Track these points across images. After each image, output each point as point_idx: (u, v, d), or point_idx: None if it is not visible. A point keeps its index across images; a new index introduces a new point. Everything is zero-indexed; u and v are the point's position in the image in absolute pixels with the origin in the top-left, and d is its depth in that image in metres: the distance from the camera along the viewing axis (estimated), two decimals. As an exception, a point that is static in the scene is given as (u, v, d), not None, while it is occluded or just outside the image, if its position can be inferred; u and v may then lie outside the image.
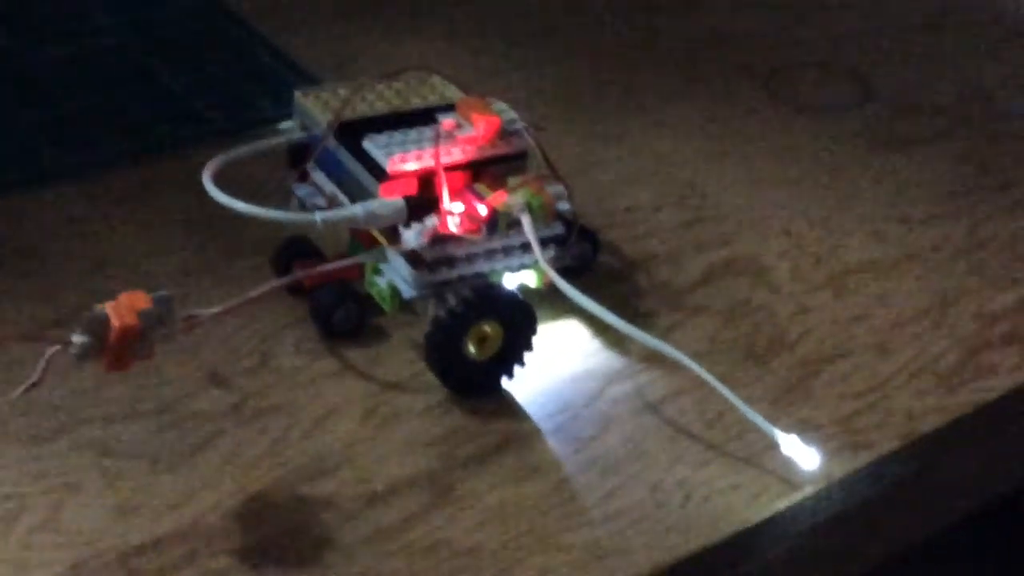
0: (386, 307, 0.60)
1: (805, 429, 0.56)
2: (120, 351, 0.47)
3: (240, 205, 0.57)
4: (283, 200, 0.62)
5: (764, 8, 0.97)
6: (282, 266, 0.63)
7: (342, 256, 0.62)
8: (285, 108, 0.80)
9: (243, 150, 0.62)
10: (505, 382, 0.58)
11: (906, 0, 1.00)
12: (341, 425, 0.56)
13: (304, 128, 0.63)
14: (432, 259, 0.58)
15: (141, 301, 0.48)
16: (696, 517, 0.52)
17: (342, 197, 0.61)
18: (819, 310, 0.64)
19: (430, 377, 0.58)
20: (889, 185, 0.75)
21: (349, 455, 0.54)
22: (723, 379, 0.56)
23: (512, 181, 0.59)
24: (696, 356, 0.57)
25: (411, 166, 0.58)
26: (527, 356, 0.59)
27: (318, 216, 0.58)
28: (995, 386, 0.60)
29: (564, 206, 0.60)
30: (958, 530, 0.65)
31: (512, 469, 0.54)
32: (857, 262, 0.68)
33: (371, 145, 0.59)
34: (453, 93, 0.64)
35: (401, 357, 0.60)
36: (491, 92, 0.62)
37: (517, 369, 0.58)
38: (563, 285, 0.57)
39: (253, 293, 0.54)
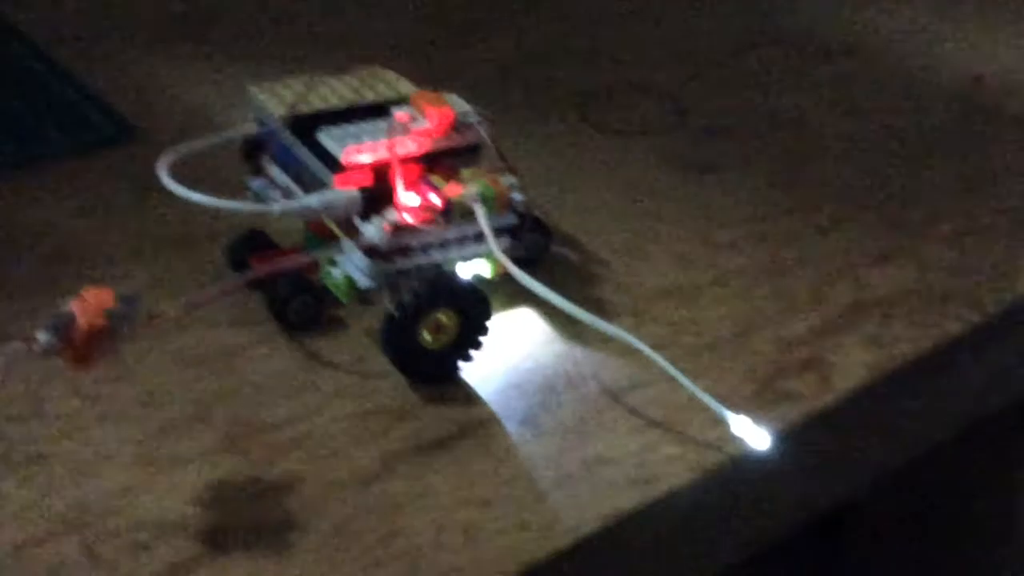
0: (342, 298, 0.61)
1: (596, 466, 0.55)
2: (86, 350, 0.47)
3: (197, 196, 0.58)
4: (236, 194, 0.61)
5: (580, 29, 0.96)
6: (237, 259, 0.64)
7: (298, 248, 0.63)
8: (79, 138, 0.77)
9: (198, 143, 0.62)
10: (460, 368, 0.59)
11: (720, 23, 1.00)
12: (114, 472, 0.53)
13: (258, 122, 0.64)
14: (388, 249, 0.59)
15: (108, 298, 0.48)
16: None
17: (296, 190, 0.62)
18: (618, 339, 0.63)
19: (209, 417, 0.56)
20: (697, 209, 0.74)
21: (118, 504, 0.51)
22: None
23: (466, 172, 0.60)
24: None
25: (365, 158, 0.59)
26: (483, 341, 0.59)
27: (276, 207, 0.59)
28: (791, 414, 0.58)
29: (517, 197, 0.61)
30: (775, 551, 0.64)
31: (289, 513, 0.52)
32: (659, 288, 0.66)
33: (325, 137, 0.60)
34: (406, 88, 0.65)
35: (183, 396, 0.57)
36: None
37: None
38: (516, 272, 0.59)
39: (221, 287, 0.55)
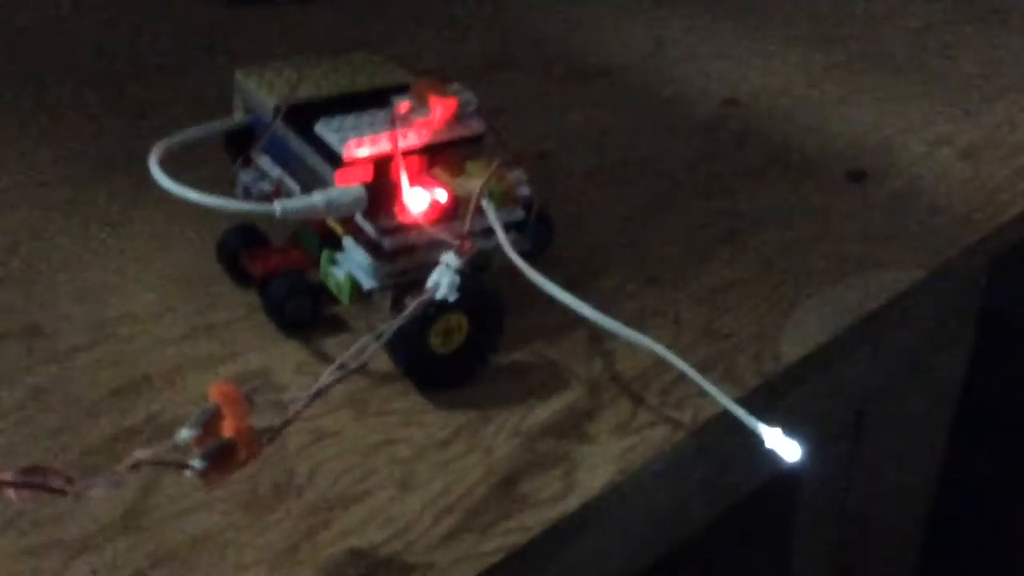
0: (344, 299, 0.58)
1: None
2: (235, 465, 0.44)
3: (193, 194, 0.54)
4: (224, 186, 0.58)
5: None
6: (229, 255, 0.61)
7: (292, 246, 0.60)
8: None
9: (189, 133, 0.59)
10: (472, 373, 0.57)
11: (459, 46, 0.93)
12: None
13: (246, 110, 0.60)
14: (392, 248, 0.56)
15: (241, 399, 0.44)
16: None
17: (290, 183, 0.58)
18: (336, 437, 0.54)
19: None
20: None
21: None
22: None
23: (471, 166, 0.57)
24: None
25: (367, 151, 0.55)
26: (496, 343, 0.57)
27: (277, 206, 0.54)
28: (530, 524, 0.50)
29: (523, 191, 0.58)
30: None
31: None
32: (381, 375, 0.57)
33: (324, 130, 0.56)
34: (400, 74, 0.61)
35: None
36: None
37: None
38: (526, 269, 0.55)
39: (355, 363, 0.49)
